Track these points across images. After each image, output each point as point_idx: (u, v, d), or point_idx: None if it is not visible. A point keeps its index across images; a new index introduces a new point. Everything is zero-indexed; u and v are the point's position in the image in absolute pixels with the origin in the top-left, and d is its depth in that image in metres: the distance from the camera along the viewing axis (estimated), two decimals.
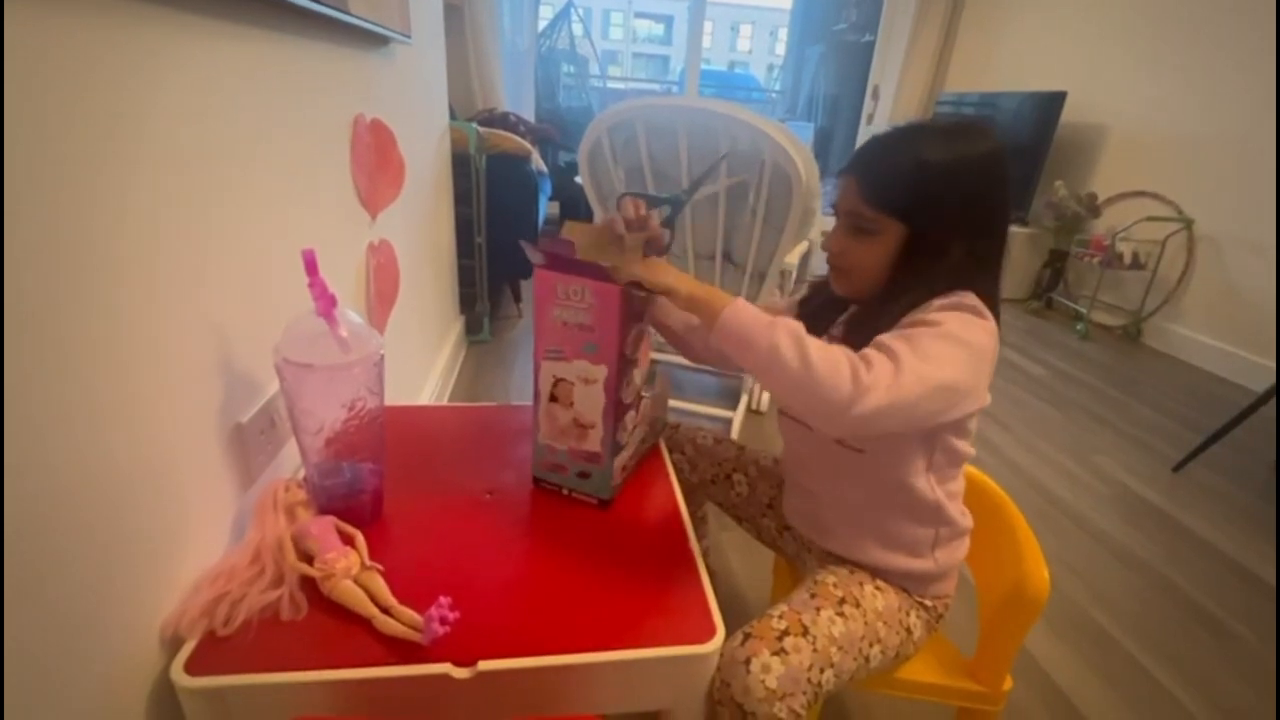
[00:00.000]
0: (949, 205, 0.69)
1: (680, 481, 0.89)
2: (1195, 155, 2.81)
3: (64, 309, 0.46)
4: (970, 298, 0.69)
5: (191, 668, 0.55)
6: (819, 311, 0.83)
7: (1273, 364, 2.44)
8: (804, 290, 0.89)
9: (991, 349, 0.68)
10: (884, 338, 0.65)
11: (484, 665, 0.57)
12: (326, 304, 0.65)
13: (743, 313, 0.65)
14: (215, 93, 0.65)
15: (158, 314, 0.56)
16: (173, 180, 0.58)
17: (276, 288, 0.77)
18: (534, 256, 0.72)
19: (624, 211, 0.74)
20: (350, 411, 0.68)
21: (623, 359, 0.74)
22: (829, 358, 0.61)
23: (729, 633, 0.65)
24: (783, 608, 0.71)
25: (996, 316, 0.71)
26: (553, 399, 0.78)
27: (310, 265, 0.63)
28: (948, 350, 0.63)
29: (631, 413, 0.80)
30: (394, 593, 0.63)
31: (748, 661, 0.63)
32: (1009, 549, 0.77)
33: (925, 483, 0.75)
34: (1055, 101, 3.25)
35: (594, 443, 0.78)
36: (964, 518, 0.80)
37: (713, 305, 0.66)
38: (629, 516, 0.80)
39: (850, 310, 0.80)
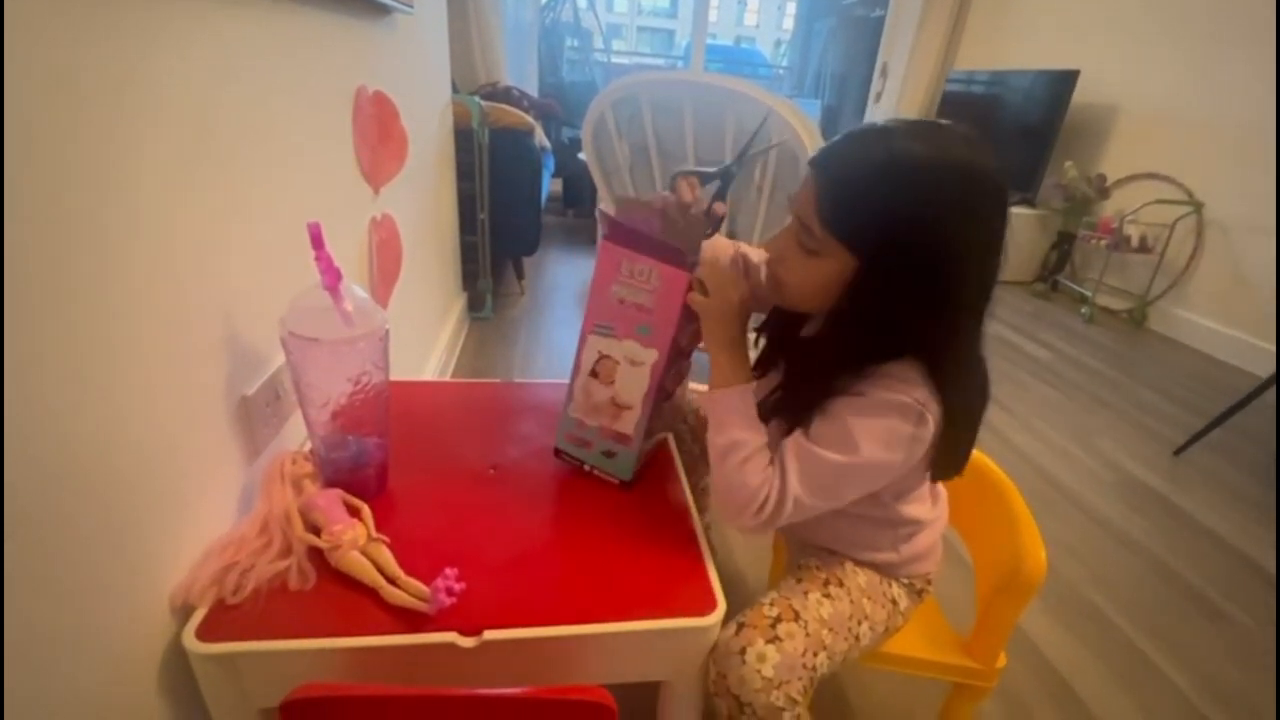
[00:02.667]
0: (920, 253, 0.57)
1: (682, 452, 0.90)
2: (1207, 138, 2.77)
3: (70, 282, 0.46)
4: (915, 389, 0.61)
5: (203, 634, 0.56)
6: (773, 329, 0.80)
7: (1275, 347, 2.43)
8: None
9: (911, 454, 0.64)
10: (799, 448, 0.65)
11: (489, 635, 0.58)
12: (332, 278, 0.64)
13: (730, 402, 0.69)
14: (215, 62, 0.64)
15: (163, 286, 0.56)
16: (177, 152, 0.57)
17: (281, 261, 0.76)
18: (606, 228, 0.71)
19: (680, 193, 0.72)
20: (355, 386, 0.68)
21: (675, 347, 0.72)
22: (744, 493, 0.65)
23: (729, 610, 0.66)
24: (773, 594, 0.72)
25: (974, 378, 0.65)
26: (593, 374, 0.76)
27: (316, 238, 0.63)
28: (858, 476, 0.65)
29: (669, 402, 0.80)
30: (400, 564, 0.63)
31: (743, 651, 0.63)
32: (1007, 530, 0.77)
33: (880, 510, 0.75)
34: (1067, 80, 3.19)
35: (627, 424, 0.77)
36: (928, 510, 0.79)
37: (719, 376, 0.70)
38: (633, 493, 0.81)
39: (807, 327, 0.75)
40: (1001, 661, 0.81)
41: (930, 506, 0.79)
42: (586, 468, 0.82)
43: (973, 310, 0.63)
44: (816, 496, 0.65)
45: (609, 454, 0.80)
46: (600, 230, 0.71)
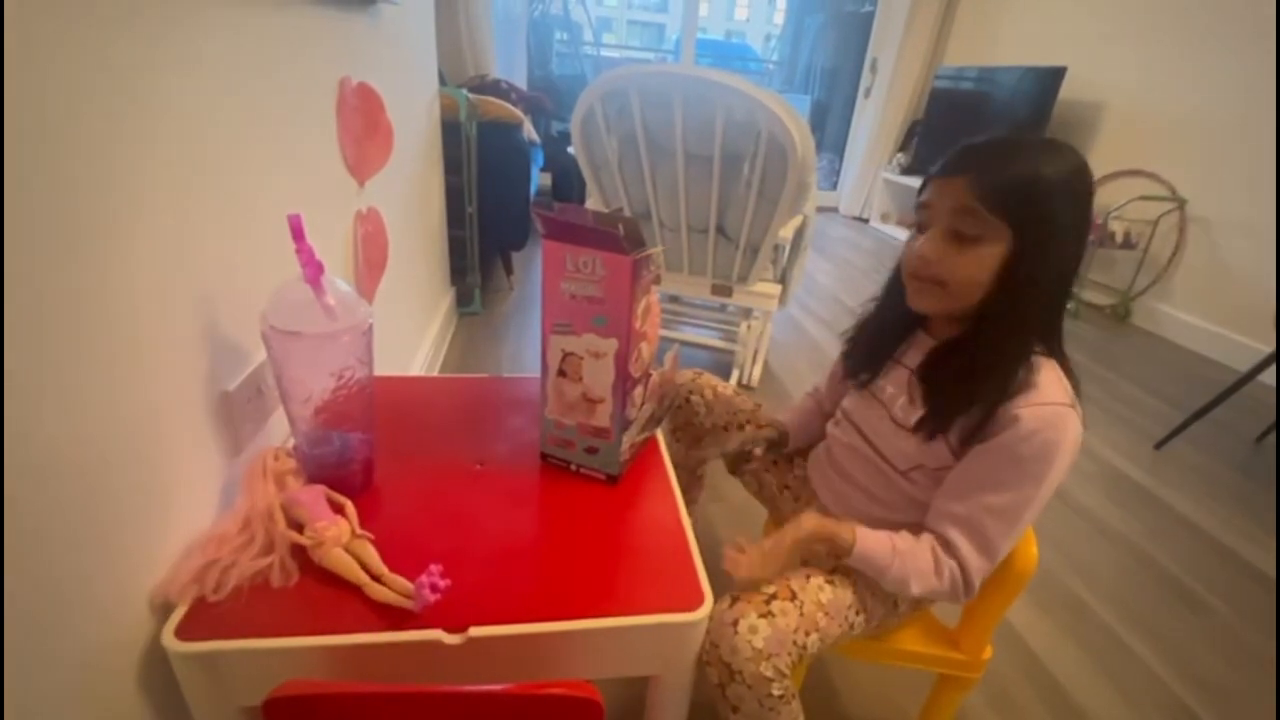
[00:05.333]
0: (1060, 220, 0.65)
1: (694, 425, 0.92)
2: (1191, 135, 2.80)
3: (47, 277, 0.44)
4: (1063, 415, 0.66)
5: (182, 633, 0.55)
6: (874, 345, 0.82)
7: (1257, 343, 2.47)
8: (850, 330, 0.87)
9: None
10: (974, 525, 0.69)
11: (475, 631, 0.58)
12: (314, 271, 0.64)
13: (866, 550, 0.71)
14: (194, 53, 0.62)
15: (141, 280, 0.55)
16: (154, 144, 0.56)
17: (262, 254, 0.75)
18: (544, 226, 0.71)
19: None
20: (339, 381, 0.68)
21: (632, 332, 0.73)
22: (929, 582, 0.69)
23: (716, 593, 0.66)
24: None
25: (1066, 364, 0.70)
26: (561, 374, 0.77)
27: (297, 230, 0.62)
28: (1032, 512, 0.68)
29: (640, 388, 0.80)
30: (385, 561, 0.63)
31: (735, 623, 0.65)
32: None
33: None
34: (1055, 77, 3.21)
35: (603, 418, 0.77)
36: None
37: (838, 542, 0.72)
38: (620, 488, 0.80)
39: (920, 344, 0.78)
40: (987, 653, 0.82)
41: None
42: (573, 467, 0.82)
43: (1077, 270, 0.70)
44: (1007, 537, 0.69)
45: (591, 450, 0.80)
46: (540, 230, 0.71)
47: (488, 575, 0.65)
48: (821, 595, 0.71)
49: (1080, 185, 0.66)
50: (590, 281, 0.70)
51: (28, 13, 0.42)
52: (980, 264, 0.67)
